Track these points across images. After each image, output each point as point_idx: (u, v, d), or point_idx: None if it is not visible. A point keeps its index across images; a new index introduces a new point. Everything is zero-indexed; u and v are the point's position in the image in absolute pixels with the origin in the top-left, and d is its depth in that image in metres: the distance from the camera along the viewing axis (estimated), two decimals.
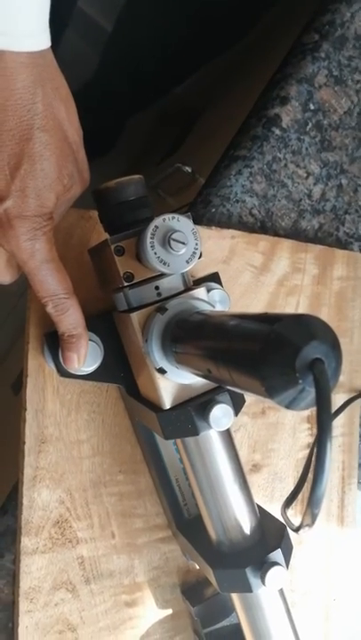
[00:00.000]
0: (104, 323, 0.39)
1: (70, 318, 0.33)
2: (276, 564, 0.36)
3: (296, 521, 0.48)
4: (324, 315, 0.53)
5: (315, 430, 0.54)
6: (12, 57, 0.26)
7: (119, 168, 1.10)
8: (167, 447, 0.43)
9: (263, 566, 0.36)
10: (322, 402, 0.20)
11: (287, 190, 0.53)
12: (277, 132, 0.52)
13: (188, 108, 0.93)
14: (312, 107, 0.54)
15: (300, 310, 0.52)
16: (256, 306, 0.50)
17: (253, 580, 0.36)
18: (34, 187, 0.29)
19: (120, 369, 0.40)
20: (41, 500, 0.42)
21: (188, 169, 0.62)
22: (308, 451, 0.53)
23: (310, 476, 0.37)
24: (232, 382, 0.24)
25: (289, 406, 0.22)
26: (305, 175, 0.54)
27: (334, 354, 0.21)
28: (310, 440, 0.53)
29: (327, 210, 0.56)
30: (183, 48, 0.79)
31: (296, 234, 0.54)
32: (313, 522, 0.23)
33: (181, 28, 0.76)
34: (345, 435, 0.55)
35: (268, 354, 0.21)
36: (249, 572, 0.36)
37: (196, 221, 0.50)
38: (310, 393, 0.21)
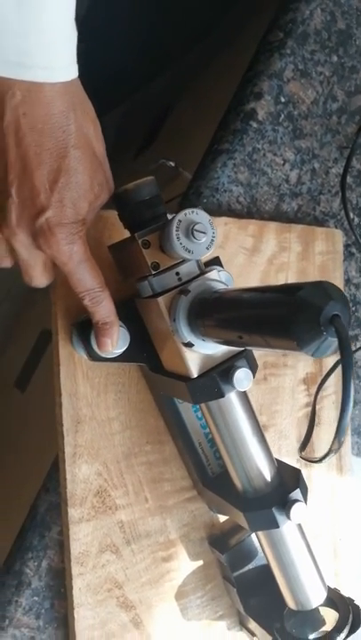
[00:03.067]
0: (127, 309, 0.43)
1: (105, 309, 0.38)
2: (297, 500, 0.42)
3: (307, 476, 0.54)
4: None
5: (311, 391, 0.60)
6: (49, 87, 0.31)
7: None
8: (190, 415, 0.49)
9: (286, 504, 0.42)
10: (344, 346, 0.26)
11: (267, 177, 0.59)
12: (255, 124, 0.58)
13: (159, 102, 0.98)
14: (283, 99, 0.59)
15: None
16: (251, 284, 0.55)
17: (279, 517, 0.42)
18: (70, 197, 0.34)
19: (143, 349, 0.45)
20: (81, 474, 0.47)
21: (172, 163, 0.66)
22: (306, 409, 0.59)
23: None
24: (265, 343, 0.30)
25: (315, 354, 0.27)
26: (282, 162, 0.60)
27: (346, 309, 0.27)
28: (307, 400, 0.60)
29: (304, 192, 0.61)
30: (154, 46, 0.82)
31: (279, 216, 0.60)
32: (339, 447, 0.29)
33: (149, 25, 0.80)
34: (337, 392, 0.62)
35: (298, 316, 0.27)
36: (275, 511, 0.42)
37: None
38: (332, 342, 0.27)
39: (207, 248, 0.35)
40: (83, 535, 0.47)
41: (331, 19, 0.62)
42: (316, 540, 0.61)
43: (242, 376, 0.38)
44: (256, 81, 0.58)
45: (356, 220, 0.65)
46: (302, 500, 0.42)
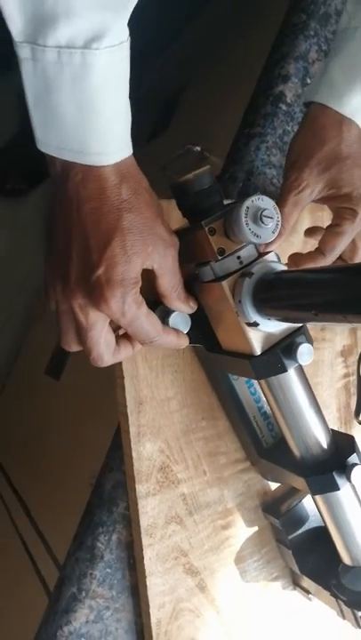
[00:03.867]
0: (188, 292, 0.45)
1: (162, 345, 0.41)
2: (356, 464, 0.45)
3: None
4: None
5: (348, 362, 0.63)
6: (105, 168, 0.35)
7: None
8: (244, 391, 0.51)
9: (346, 468, 0.45)
10: None
11: None
12: (284, 107, 0.59)
13: (169, 84, 0.98)
14: (309, 81, 0.61)
15: None
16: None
17: (340, 480, 0.45)
18: (122, 255, 0.36)
19: (200, 331, 0.47)
20: (146, 451, 0.50)
21: (198, 148, 0.68)
22: (344, 380, 0.62)
23: None
24: (343, 319, 0.32)
25: None
26: None
27: None
28: (345, 371, 0.63)
29: None
30: (154, 25, 0.82)
31: None
32: None
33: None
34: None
35: None
36: (336, 475, 0.45)
37: (228, 196, 0.57)
38: None
39: (273, 232, 0.37)
40: (150, 509, 0.50)
41: None
42: None
43: (305, 350, 0.41)
44: (283, 63, 0.60)
45: None
46: (360, 463, 0.45)
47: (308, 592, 0.57)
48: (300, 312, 0.36)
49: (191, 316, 0.46)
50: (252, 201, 0.37)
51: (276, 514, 0.56)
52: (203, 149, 0.69)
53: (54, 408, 0.88)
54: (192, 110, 0.87)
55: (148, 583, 0.50)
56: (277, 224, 0.37)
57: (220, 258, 0.39)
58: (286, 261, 0.57)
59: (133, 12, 0.33)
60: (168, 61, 1.04)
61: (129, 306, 0.37)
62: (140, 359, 0.49)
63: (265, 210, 0.36)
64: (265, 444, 0.53)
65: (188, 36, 0.93)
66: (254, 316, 0.40)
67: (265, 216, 0.36)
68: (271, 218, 0.36)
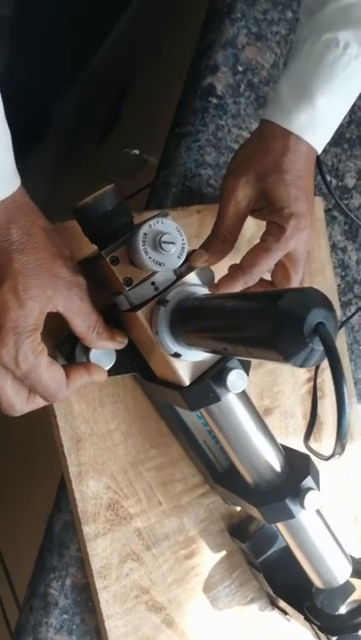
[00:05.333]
0: (109, 320, 0.42)
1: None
2: (310, 489, 0.42)
3: (318, 449, 0.54)
4: None
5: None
6: None
7: (56, 156, 1.10)
8: (190, 415, 0.48)
9: (300, 493, 0.42)
10: (332, 355, 0.24)
11: None
12: (214, 100, 0.55)
13: (113, 80, 0.93)
14: (240, 68, 0.56)
15: None
16: None
17: (294, 508, 0.42)
18: (14, 301, 0.32)
19: (132, 359, 0.43)
20: (90, 490, 0.46)
21: (136, 151, 0.64)
22: (309, 385, 0.59)
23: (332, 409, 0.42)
24: (249, 354, 0.28)
25: (303, 365, 0.26)
26: (249, 135, 0.57)
27: (332, 314, 0.25)
28: (309, 375, 0.59)
29: None
30: (87, 16, 0.78)
31: None
32: (343, 450, 0.28)
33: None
34: None
35: (280, 330, 0.25)
36: (289, 502, 0.41)
37: (160, 204, 0.53)
38: (318, 351, 0.25)
39: (179, 257, 0.33)
40: (101, 550, 0.47)
41: None
42: (334, 509, 0.61)
43: (234, 378, 0.37)
44: (209, 53, 0.55)
45: (334, 181, 0.63)
46: (315, 487, 0.42)
47: (285, 613, 0.54)
48: (211, 344, 0.32)
49: None
50: (150, 225, 0.33)
51: (243, 537, 0.53)
52: (141, 153, 0.65)
53: (27, 431, 0.85)
54: (137, 109, 0.82)
55: (107, 627, 0.48)
56: (183, 248, 0.34)
57: (127, 289, 0.36)
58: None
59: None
60: (114, 53, 0.98)
61: (24, 356, 0.33)
62: (73, 395, 0.46)
63: (164, 235, 0.32)
64: (220, 468, 0.50)
65: (124, 24, 0.87)
66: (174, 347, 0.37)
67: (165, 242, 0.32)
68: (173, 243, 0.33)
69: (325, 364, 0.60)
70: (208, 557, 0.53)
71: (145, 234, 0.32)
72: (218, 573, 0.53)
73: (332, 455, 0.29)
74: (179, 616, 0.51)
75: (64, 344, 0.41)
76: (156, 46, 0.79)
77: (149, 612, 0.50)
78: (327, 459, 0.30)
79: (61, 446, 0.46)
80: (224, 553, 0.54)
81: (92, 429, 0.47)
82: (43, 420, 0.58)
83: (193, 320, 0.34)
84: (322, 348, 0.25)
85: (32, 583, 0.49)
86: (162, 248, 0.32)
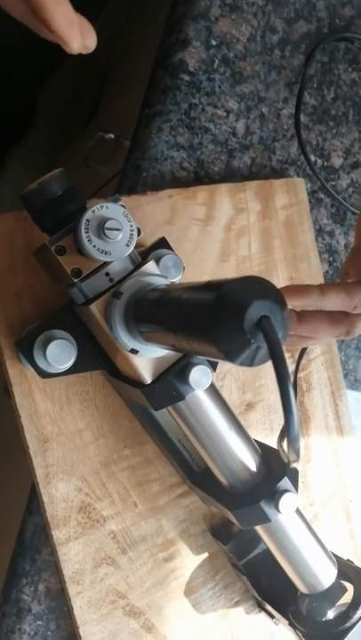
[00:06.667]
0: (69, 315, 0.39)
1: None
2: (286, 491, 0.39)
3: (306, 444, 0.51)
4: (277, 246, 0.54)
5: (295, 356, 0.56)
6: None
7: (42, 146, 1.07)
8: (162, 413, 0.45)
9: (275, 496, 0.39)
10: (275, 355, 0.21)
11: (211, 134, 0.53)
12: (186, 77, 0.51)
13: (96, 66, 0.90)
14: (214, 42, 0.53)
15: (254, 249, 0.53)
16: (210, 257, 0.51)
17: (269, 511, 0.39)
18: None
19: (97, 355, 0.41)
20: (59, 493, 0.44)
21: (111, 135, 0.61)
22: (292, 378, 0.56)
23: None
24: (196, 352, 0.26)
25: (251, 364, 0.23)
26: (225, 114, 0.54)
27: (279, 307, 0.23)
28: (294, 366, 0.56)
29: (255, 142, 0.56)
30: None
31: (231, 175, 0.54)
32: (298, 456, 0.25)
33: None
34: (325, 353, 0.58)
35: (217, 322, 0.22)
36: (264, 505, 0.39)
37: (132, 189, 0.50)
38: (265, 348, 0.22)
39: (127, 245, 0.31)
40: (73, 554, 0.45)
41: None
42: (325, 506, 0.59)
43: (197, 375, 0.34)
44: (180, 26, 0.52)
45: (319, 161, 0.59)
46: (291, 489, 0.39)
47: (272, 616, 0.52)
48: (161, 339, 0.29)
49: (84, 338, 0.40)
50: (94, 211, 0.30)
51: (226, 538, 0.50)
52: (117, 137, 0.62)
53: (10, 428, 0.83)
54: (116, 91, 0.79)
55: (82, 633, 0.46)
56: (131, 234, 0.31)
57: (75, 280, 0.33)
58: (213, 255, 0.51)
59: None
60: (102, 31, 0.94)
61: None
62: (37, 393, 0.43)
63: (108, 220, 0.29)
64: (197, 468, 0.47)
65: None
66: (130, 343, 0.34)
67: (108, 228, 0.29)
68: (119, 230, 0.30)
69: (313, 354, 0.58)
70: (189, 560, 0.50)
71: (88, 220, 0.30)
72: (200, 576, 0.51)
73: (289, 462, 0.26)
74: (159, 621, 0.49)
75: (23, 340, 0.39)
76: (134, 30, 0.76)
77: (127, 618, 0.48)
78: (287, 464, 0.27)
79: (27, 447, 0.43)
80: (206, 555, 0.51)
81: (60, 429, 0.44)
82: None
83: (144, 313, 0.31)
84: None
85: (4, 589, 0.47)
86: (105, 235, 0.29)
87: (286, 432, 0.23)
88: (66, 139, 1.00)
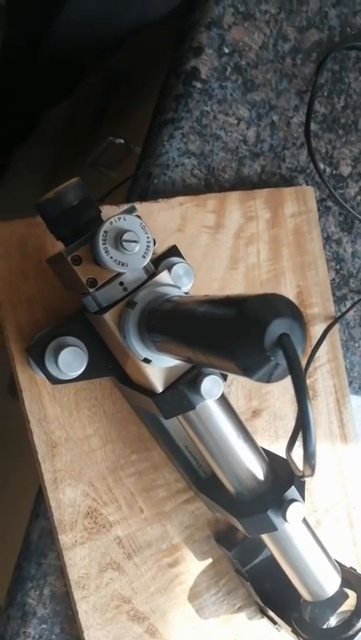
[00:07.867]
0: (81, 323, 0.40)
1: None
2: (293, 500, 0.39)
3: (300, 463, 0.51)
4: (286, 254, 0.55)
5: (303, 363, 0.56)
6: None
7: (47, 147, 1.07)
8: (170, 420, 0.45)
9: (282, 505, 0.39)
10: (294, 372, 0.22)
11: (222, 142, 0.53)
12: (199, 85, 0.52)
13: (104, 71, 0.90)
14: (226, 50, 0.53)
15: (263, 256, 0.53)
16: (219, 265, 0.51)
17: (276, 520, 0.39)
18: None
19: (107, 361, 0.41)
20: (67, 498, 0.44)
21: (121, 140, 0.61)
22: None
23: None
24: (212, 365, 0.26)
25: (268, 381, 0.23)
26: (236, 122, 0.54)
27: (298, 324, 0.23)
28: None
29: (265, 150, 0.56)
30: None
31: (241, 182, 0.55)
32: (313, 472, 0.25)
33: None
34: (331, 360, 0.58)
35: (239, 339, 0.22)
36: (271, 514, 0.39)
37: (142, 195, 0.50)
38: (284, 365, 0.23)
39: (143, 257, 0.31)
40: (79, 559, 0.45)
41: None
42: (328, 514, 0.59)
43: (209, 385, 0.35)
44: (193, 34, 0.52)
45: (328, 169, 0.59)
46: (298, 498, 0.40)
47: (274, 622, 0.52)
48: (176, 351, 0.29)
49: (95, 345, 0.40)
50: (112, 222, 0.30)
51: (230, 544, 0.50)
52: (127, 142, 0.62)
53: (16, 430, 0.83)
54: (127, 97, 0.79)
55: (86, 637, 0.46)
56: (148, 246, 0.31)
57: (90, 290, 0.33)
58: (222, 263, 0.51)
59: None
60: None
61: None
62: (46, 398, 0.44)
63: (126, 232, 0.30)
64: (203, 475, 0.47)
65: None
66: (144, 353, 0.34)
67: (126, 240, 0.29)
68: (136, 242, 0.30)
69: (319, 361, 0.58)
70: (193, 565, 0.51)
71: (105, 232, 0.30)
72: (204, 581, 0.51)
73: (302, 477, 0.26)
74: (162, 625, 0.49)
75: (34, 347, 0.39)
76: (144, 37, 0.76)
77: (131, 622, 0.48)
78: (300, 477, 0.27)
79: (36, 452, 0.44)
80: (210, 560, 0.52)
81: (68, 434, 0.44)
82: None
83: (158, 323, 0.31)
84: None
85: (10, 592, 0.47)
86: (123, 247, 0.30)
87: (303, 448, 0.23)
88: (71, 141, 1.00)
